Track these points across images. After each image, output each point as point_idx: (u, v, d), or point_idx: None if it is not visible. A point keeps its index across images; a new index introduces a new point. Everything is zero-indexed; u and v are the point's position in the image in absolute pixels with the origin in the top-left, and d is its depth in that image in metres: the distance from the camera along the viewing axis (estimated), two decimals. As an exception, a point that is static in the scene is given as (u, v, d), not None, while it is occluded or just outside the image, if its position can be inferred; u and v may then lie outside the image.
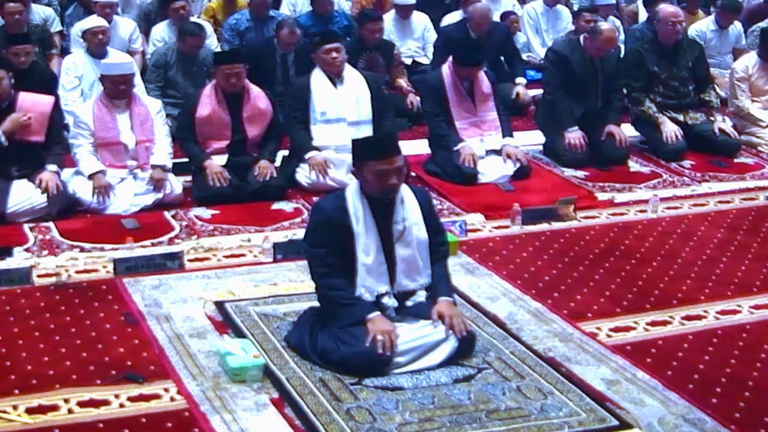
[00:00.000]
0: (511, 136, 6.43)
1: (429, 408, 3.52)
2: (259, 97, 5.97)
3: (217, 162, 5.88)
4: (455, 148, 6.20)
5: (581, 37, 6.80)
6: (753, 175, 6.64)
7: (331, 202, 3.90)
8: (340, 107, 6.13)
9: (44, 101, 5.64)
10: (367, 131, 6.16)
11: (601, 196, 6.08)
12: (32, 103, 5.57)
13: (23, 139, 5.51)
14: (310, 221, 4.01)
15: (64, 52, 8.11)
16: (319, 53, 6.18)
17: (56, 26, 8.42)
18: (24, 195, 5.41)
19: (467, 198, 5.94)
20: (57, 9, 8.79)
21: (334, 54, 6.14)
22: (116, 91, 5.74)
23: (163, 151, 5.78)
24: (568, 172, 6.49)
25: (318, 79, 6.17)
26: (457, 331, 3.84)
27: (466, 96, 6.34)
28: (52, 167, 5.51)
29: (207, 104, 5.89)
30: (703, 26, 9.06)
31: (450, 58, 6.39)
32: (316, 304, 4.03)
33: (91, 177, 5.60)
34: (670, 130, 6.82)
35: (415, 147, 6.78)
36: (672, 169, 6.63)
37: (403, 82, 7.96)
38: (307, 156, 6.00)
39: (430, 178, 6.25)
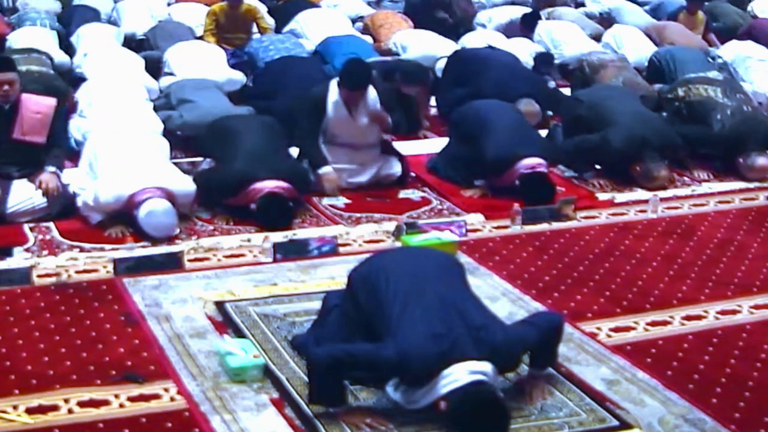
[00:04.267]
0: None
1: (429, 408, 3.51)
2: None
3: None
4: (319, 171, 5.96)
5: None
6: (753, 175, 6.64)
7: None
8: (353, 134, 6.03)
9: (46, 103, 5.62)
10: (375, 152, 6.13)
11: (601, 196, 6.08)
12: (35, 104, 5.56)
13: (23, 140, 5.51)
14: None
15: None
16: (343, 91, 5.93)
17: None
18: (24, 195, 5.40)
19: (467, 198, 5.94)
20: None
21: (359, 99, 5.94)
22: None
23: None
24: (568, 173, 6.49)
25: (337, 105, 5.95)
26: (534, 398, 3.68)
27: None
28: (52, 168, 5.49)
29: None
30: None
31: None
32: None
33: None
34: None
35: (415, 147, 6.79)
36: (672, 169, 6.61)
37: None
38: (321, 171, 5.90)
39: (431, 178, 6.24)
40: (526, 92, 7.22)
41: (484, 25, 9.91)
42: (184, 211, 5.38)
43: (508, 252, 5.17)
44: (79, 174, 5.55)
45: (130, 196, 5.13)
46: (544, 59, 8.49)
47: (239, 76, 7.68)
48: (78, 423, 3.45)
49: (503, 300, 4.54)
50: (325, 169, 5.93)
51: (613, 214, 5.81)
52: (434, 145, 6.75)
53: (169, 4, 10.05)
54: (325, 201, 5.82)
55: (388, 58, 8.17)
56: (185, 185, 5.38)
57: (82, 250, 5.01)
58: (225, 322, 4.24)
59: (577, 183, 6.32)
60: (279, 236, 5.20)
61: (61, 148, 5.72)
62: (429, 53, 8.27)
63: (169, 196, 5.20)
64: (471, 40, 9.04)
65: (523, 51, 8.61)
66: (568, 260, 5.08)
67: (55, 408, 3.53)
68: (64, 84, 7.08)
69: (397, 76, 7.08)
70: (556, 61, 8.94)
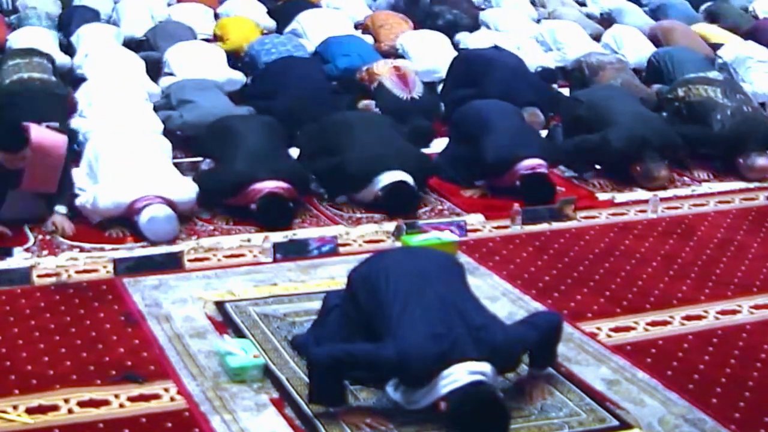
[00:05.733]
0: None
1: (429, 408, 3.51)
2: None
3: None
4: None
5: None
6: (753, 175, 6.64)
7: None
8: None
9: (56, 150, 5.24)
10: None
11: (601, 196, 6.08)
12: (46, 156, 5.17)
13: (34, 191, 5.26)
14: None
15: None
16: (381, 206, 5.67)
17: None
18: (19, 205, 5.26)
19: (467, 198, 5.94)
20: None
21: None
22: None
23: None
24: (568, 173, 6.49)
25: (367, 195, 5.73)
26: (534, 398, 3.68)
27: None
28: (63, 210, 5.26)
29: None
30: None
31: None
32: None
33: None
34: None
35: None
36: (672, 169, 6.61)
37: None
38: (337, 200, 5.80)
39: (431, 178, 6.22)
40: (531, 100, 7.18)
41: (488, 25, 9.88)
42: (185, 215, 5.37)
43: (508, 252, 5.17)
44: (80, 174, 5.53)
45: (130, 203, 5.12)
46: (546, 75, 8.46)
47: (239, 76, 7.69)
48: (78, 423, 3.45)
49: (503, 300, 4.54)
50: (341, 198, 5.81)
51: (613, 214, 5.81)
52: (435, 145, 6.75)
53: (169, 5, 10.05)
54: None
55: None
56: (186, 193, 5.36)
57: (82, 250, 5.01)
58: (225, 322, 4.24)
59: (577, 183, 6.32)
60: (279, 236, 5.19)
61: (70, 184, 5.39)
62: (433, 68, 8.14)
63: (170, 203, 5.20)
64: (475, 40, 9.03)
65: (530, 57, 8.58)
66: (568, 260, 5.08)
67: (55, 408, 3.53)
68: (65, 91, 7.03)
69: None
70: (559, 64, 8.92)
